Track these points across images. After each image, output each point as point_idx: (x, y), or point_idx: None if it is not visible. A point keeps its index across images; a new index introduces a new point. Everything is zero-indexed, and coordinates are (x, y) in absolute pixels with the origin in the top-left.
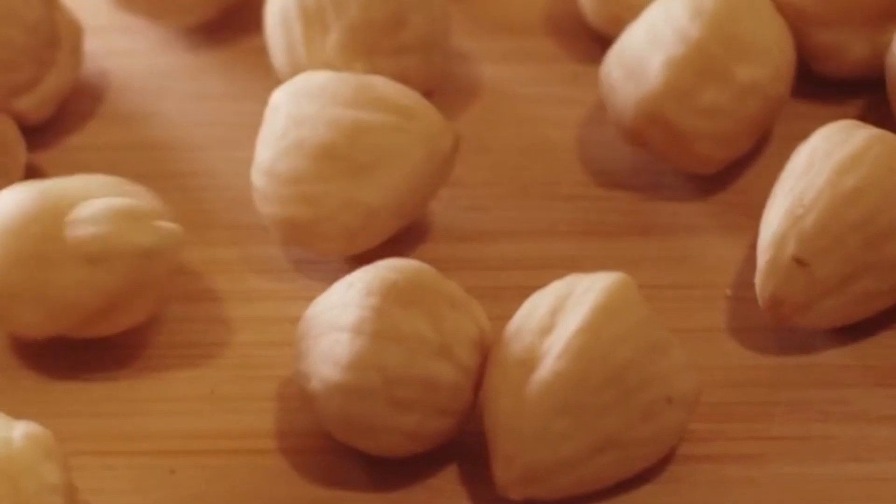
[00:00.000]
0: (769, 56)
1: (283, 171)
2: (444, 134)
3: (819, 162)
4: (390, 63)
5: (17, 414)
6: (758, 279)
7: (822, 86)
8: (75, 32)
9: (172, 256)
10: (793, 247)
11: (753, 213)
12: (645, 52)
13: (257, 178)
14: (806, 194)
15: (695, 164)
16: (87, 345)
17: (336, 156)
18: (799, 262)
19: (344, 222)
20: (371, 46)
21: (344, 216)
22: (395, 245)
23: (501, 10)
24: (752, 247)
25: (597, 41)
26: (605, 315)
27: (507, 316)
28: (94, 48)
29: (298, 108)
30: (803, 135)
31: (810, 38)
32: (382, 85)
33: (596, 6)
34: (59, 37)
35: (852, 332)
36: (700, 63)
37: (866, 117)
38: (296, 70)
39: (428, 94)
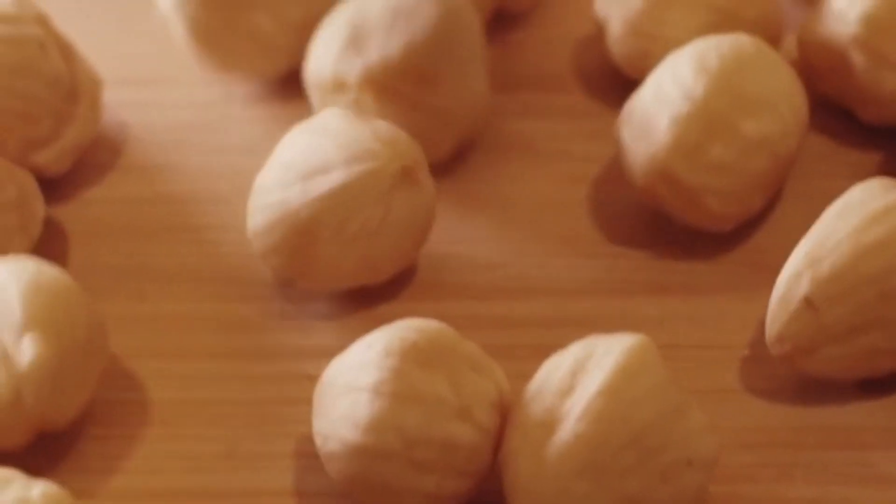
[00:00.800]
0: (776, 112)
1: (256, 184)
2: (392, 159)
3: (850, 212)
4: (397, 111)
5: (34, 472)
6: (768, 316)
7: (839, 144)
8: (94, 86)
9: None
10: (806, 287)
11: (770, 272)
12: (653, 110)
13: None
14: (829, 239)
15: (708, 222)
16: (102, 402)
17: (289, 166)
18: (809, 303)
19: (283, 233)
20: (387, 87)
21: (281, 226)
22: (412, 303)
23: (529, 61)
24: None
25: (625, 91)
26: (625, 377)
27: (525, 374)
28: (112, 101)
29: (293, 139)
30: (821, 194)
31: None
32: (382, 125)
33: (624, 42)
34: (78, 91)
35: (873, 392)
36: (705, 119)
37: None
38: (319, 79)
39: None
